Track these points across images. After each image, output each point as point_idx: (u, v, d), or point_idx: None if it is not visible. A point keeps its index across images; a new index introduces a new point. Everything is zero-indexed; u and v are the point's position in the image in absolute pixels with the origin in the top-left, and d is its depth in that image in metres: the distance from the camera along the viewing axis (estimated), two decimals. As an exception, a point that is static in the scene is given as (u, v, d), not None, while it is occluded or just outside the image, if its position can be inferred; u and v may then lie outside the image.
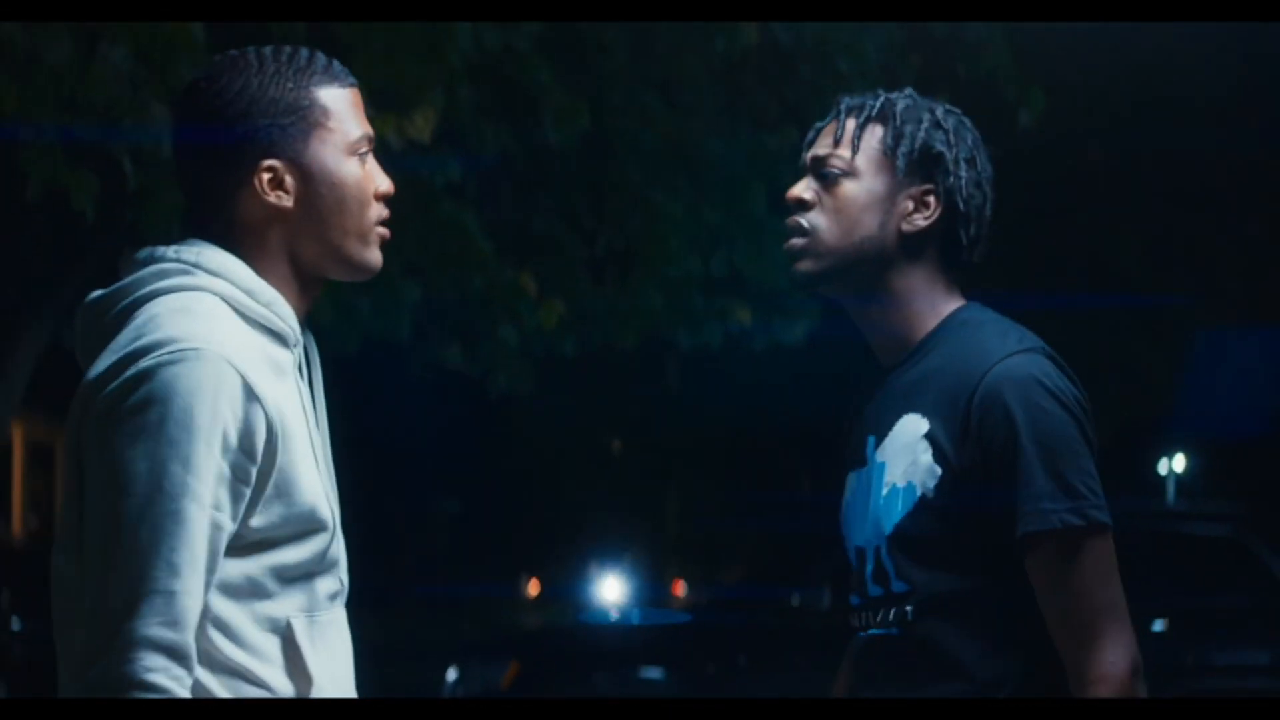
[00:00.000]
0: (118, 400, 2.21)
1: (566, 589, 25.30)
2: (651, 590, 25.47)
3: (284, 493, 2.28)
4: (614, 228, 10.26)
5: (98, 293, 2.35)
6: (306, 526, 2.31)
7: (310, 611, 2.33)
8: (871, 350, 2.84)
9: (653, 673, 10.42)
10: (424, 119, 7.76)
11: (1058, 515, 2.60)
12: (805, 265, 2.78)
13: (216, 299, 2.30)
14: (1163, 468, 24.85)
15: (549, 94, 9.05)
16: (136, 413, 2.19)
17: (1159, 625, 9.85)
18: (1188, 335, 19.71)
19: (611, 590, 24.55)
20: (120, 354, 2.23)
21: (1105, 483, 2.68)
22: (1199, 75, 17.27)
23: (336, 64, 2.42)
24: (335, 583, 2.39)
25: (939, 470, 2.66)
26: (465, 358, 10.46)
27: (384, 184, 2.44)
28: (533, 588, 29.25)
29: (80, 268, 9.40)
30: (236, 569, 2.26)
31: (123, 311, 2.30)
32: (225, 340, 2.25)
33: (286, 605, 2.31)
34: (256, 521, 2.27)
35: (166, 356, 2.21)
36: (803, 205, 2.78)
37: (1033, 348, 2.69)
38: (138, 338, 2.23)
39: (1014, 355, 2.67)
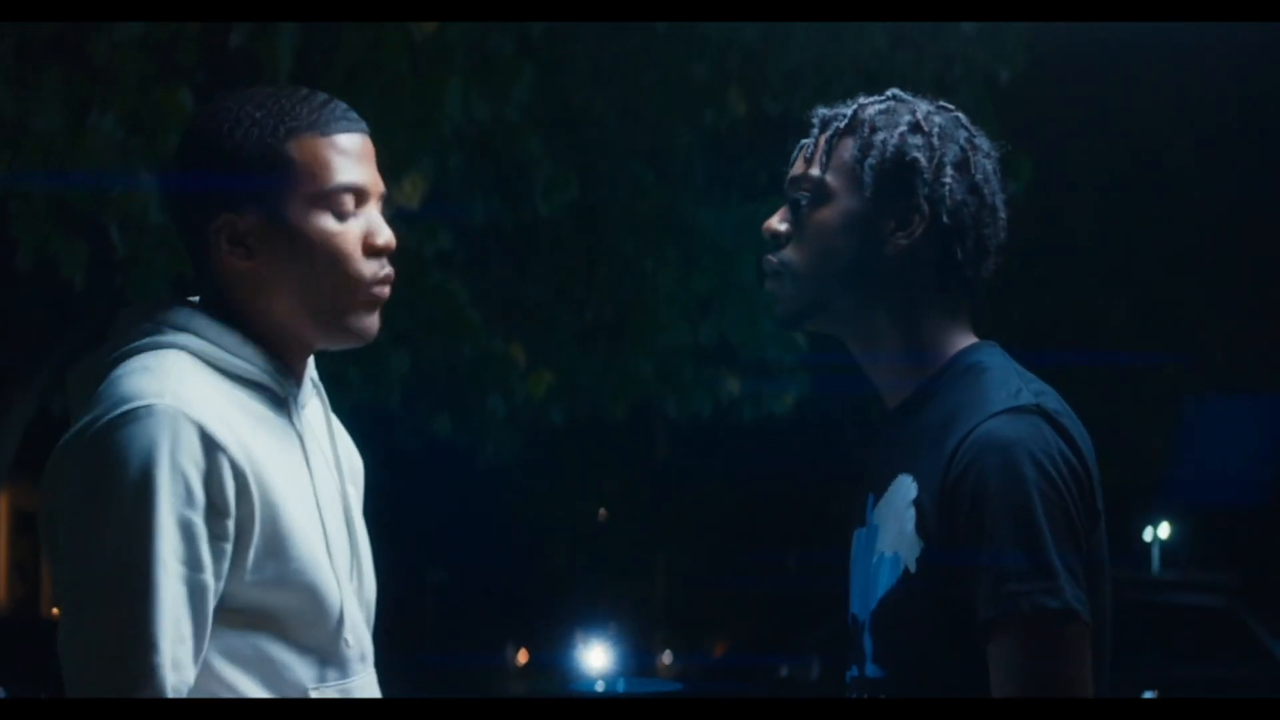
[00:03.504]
0: (77, 468, 2.10)
1: (553, 658, 25.22)
2: (638, 659, 25.37)
3: (275, 551, 2.14)
4: (603, 297, 10.24)
5: (82, 359, 2.25)
6: (306, 589, 2.16)
7: (330, 681, 2.20)
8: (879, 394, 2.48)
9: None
10: (413, 187, 7.74)
11: (1027, 597, 2.18)
12: (781, 306, 2.43)
13: (182, 353, 2.17)
14: (1147, 535, 24.80)
15: (538, 163, 9.04)
16: (95, 480, 2.08)
17: (1149, 695, 9.82)
18: (1175, 401, 19.75)
19: (598, 659, 24.46)
20: (83, 420, 2.13)
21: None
22: (1187, 143, 17.37)
23: (331, 109, 2.24)
24: (356, 646, 2.23)
25: (920, 544, 2.27)
26: (454, 427, 10.41)
27: (381, 237, 2.22)
28: (521, 657, 29.16)
29: (68, 335, 9.37)
30: (245, 641, 2.14)
31: (100, 374, 2.19)
32: (182, 392, 2.10)
33: (304, 676, 2.18)
34: (251, 579, 2.13)
35: (119, 417, 2.08)
36: (776, 239, 2.42)
37: (1025, 405, 2.26)
38: (98, 401, 2.12)
39: (1001, 414, 2.25)
